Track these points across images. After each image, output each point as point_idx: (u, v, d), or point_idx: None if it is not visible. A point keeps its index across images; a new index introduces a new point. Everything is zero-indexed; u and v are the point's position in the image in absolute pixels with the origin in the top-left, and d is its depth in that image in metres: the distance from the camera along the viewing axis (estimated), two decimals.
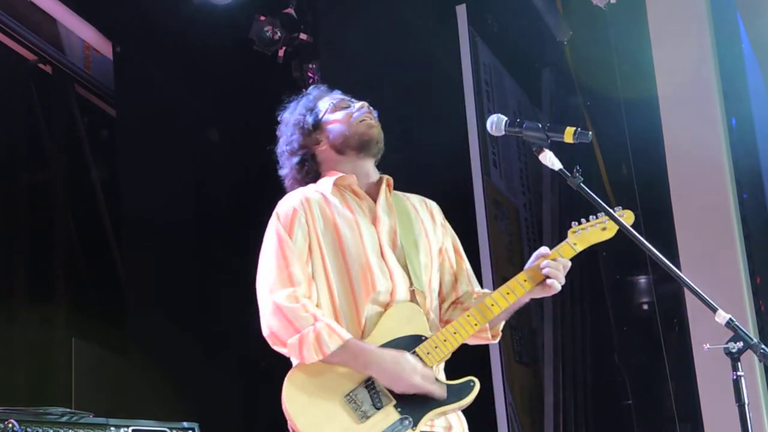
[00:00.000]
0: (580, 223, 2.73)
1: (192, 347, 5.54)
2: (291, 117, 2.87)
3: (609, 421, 6.09)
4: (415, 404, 2.49)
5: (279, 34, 5.60)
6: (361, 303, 2.58)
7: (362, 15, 5.51)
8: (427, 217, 2.83)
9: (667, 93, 4.93)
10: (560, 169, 2.59)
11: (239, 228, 6.13)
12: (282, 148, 2.86)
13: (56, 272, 5.73)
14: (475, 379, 2.56)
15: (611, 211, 2.59)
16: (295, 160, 2.81)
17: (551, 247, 2.72)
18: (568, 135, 2.56)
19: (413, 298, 2.64)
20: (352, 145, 2.75)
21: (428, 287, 2.71)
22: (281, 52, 5.67)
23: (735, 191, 4.80)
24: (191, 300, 5.63)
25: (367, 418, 2.44)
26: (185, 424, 3.76)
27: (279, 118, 2.94)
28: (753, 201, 5.05)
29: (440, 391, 2.51)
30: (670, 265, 2.55)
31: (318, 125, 2.79)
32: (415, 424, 2.47)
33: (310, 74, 5.91)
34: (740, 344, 2.35)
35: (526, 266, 2.71)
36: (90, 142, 6.04)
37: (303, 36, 5.69)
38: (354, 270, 2.60)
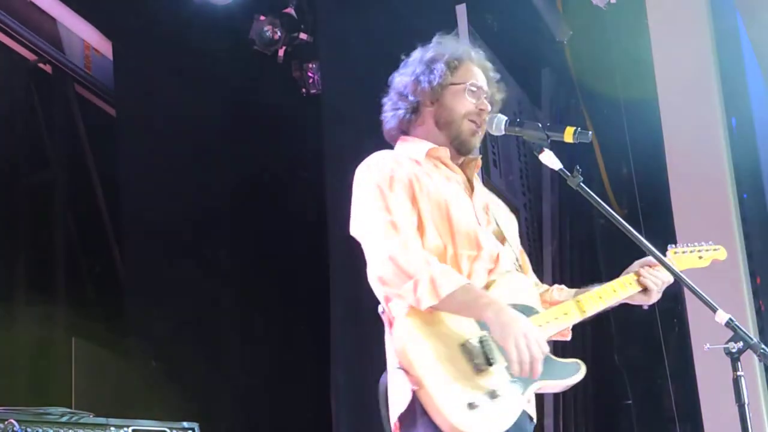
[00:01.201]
0: (677, 245, 2.95)
1: (192, 347, 5.54)
2: (435, 57, 2.76)
3: (609, 421, 6.09)
4: None
5: (279, 34, 5.60)
6: (464, 262, 2.55)
7: (362, 15, 5.50)
8: (509, 213, 2.89)
9: (667, 93, 4.93)
10: (560, 169, 2.60)
11: (240, 227, 6.13)
12: (410, 77, 2.77)
13: (56, 272, 5.73)
14: (581, 363, 2.55)
15: (610, 209, 2.59)
16: (413, 101, 2.74)
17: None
18: (568, 135, 2.57)
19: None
20: (450, 135, 2.74)
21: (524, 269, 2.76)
22: (281, 52, 5.68)
23: (735, 191, 4.80)
24: (191, 300, 5.62)
25: (481, 371, 2.38)
26: (185, 424, 3.76)
27: (436, 37, 2.84)
28: (753, 201, 5.05)
29: (547, 364, 2.44)
30: (670, 265, 2.56)
31: (444, 89, 2.73)
32: (524, 391, 2.43)
33: (310, 74, 5.92)
34: (740, 344, 2.35)
35: (629, 270, 2.83)
36: (90, 142, 6.04)
37: (303, 36, 5.69)
38: (459, 231, 2.57)
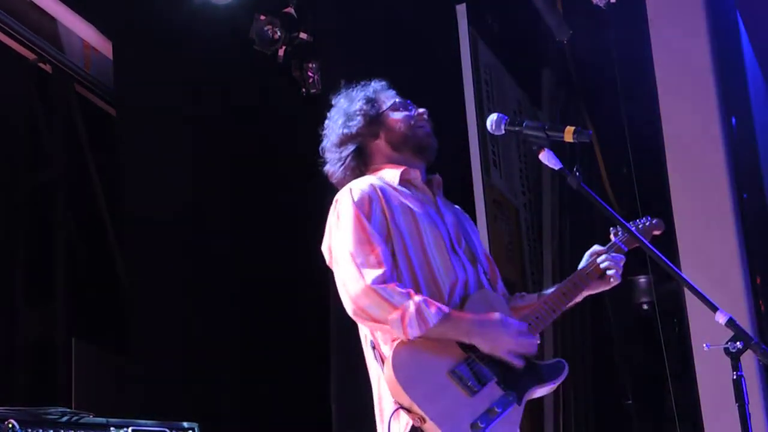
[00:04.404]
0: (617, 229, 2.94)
1: (192, 347, 5.54)
2: (350, 104, 2.86)
3: (609, 421, 6.09)
4: (515, 381, 2.50)
5: (279, 33, 5.60)
6: (445, 290, 2.60)
7: (362, 15, 5.50)
8: (470, 220, 2.94)
9: (667, 93, 4.93)
10: (560, 169, 2.60)
11: (240, 227, 6.13)
12: (337, 131, 2.84)
13: (56, 272, 5.73)
14: (564, 361, 2.62)
15: (610, 209, 2.59)
16: (352, 147, 2.81)
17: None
18: (568, 134, 2.57)
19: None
20: (410, 146, 2.81)
21: (494, 281, 2.80)
22: (281, 52, 5.67)
23: (735, 191, 4.80)
24: (191, 300, 5.62)
25: (475, 393, 2.44)
26: (185, 424, 3.76)
27: (332, 101, 2.93)
28: (753, 201, 5.04)
29: (534, 370, 2.54)
30: (671, 265, 2.56)
31: (378, 118, 2.81)
32: (519, 401, 2.49)
33: (310, 74, 5.91)
34: (740, 344, 2.35)
35: (582, 265, 2.84)
36: (90, 142, 6.04)
37: (303, 35, 5.69)
38: (435, 258, 2.62)
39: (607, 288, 2.87)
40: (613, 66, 5.55)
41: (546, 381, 2.57)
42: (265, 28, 5.60)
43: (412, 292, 2.49)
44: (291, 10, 5.64)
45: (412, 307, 2.44)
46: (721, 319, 2.36)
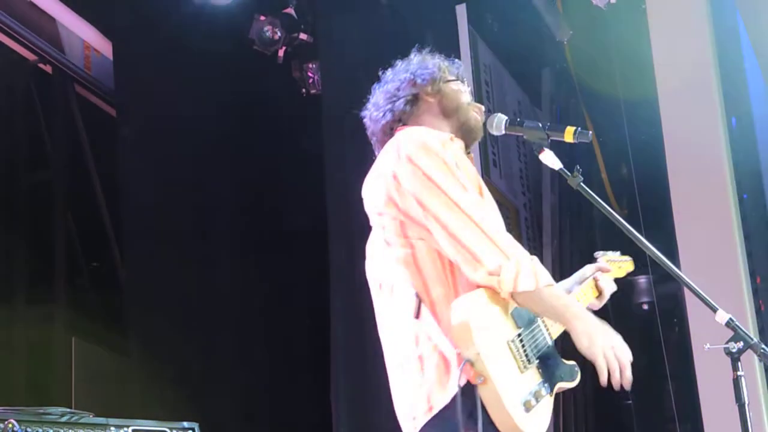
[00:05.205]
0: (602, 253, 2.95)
1: (192, 347, 5.54)
2: (421, 64, 2.77)
3: (609, 421, 6.09)
4: (550, 371, 2.46)
5: (279, 34, 5.61)
6: None
7: (362, 15, 5.51)
8: None
9: (667, 93, 4.93)
10: (560, 169, 2.60)
11: (239, 227, 6.13)
12: (399, 77, 2.75)
13: (56, 272, 5.74)
14: (578, 368, 2.59)
15: (610, 209, 2.59)
16: (409, 92, 2.71)
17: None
18: (568, 134, 2.57)
19: None
20: (459, 118, 2.70)
21: None
22: (281, 52, 5.68)
23: (735, 191, 4.80)
24: (191, 300, 5.62)
25: (524, 371, 2.37)
26: (185, 424, 3.76)
27: (412, 55, 2.85)
28: (753, 201, 5.05)
29: (562, 366, 2.53)
30: (671, 265, 2.56)
31: (440, 84, 2.72)
32: (551, 392, 2.46)
33: (310, 74, 5.93)
34: (740, 344, 2.35)
35: (585, 274, 2.83)
36: (90, 142, 6.04)
37: (303, 36, 5.70)
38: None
39: (594, 308, 2.82)
40: (613, 66, 5.56)
41: (568, 379, 2.54)
42: (265, 29, 5.61)
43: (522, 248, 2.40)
44: (291, 10, 5.65)
45: (527, 260, 2.34)
46: (721, 319, 2.37)
